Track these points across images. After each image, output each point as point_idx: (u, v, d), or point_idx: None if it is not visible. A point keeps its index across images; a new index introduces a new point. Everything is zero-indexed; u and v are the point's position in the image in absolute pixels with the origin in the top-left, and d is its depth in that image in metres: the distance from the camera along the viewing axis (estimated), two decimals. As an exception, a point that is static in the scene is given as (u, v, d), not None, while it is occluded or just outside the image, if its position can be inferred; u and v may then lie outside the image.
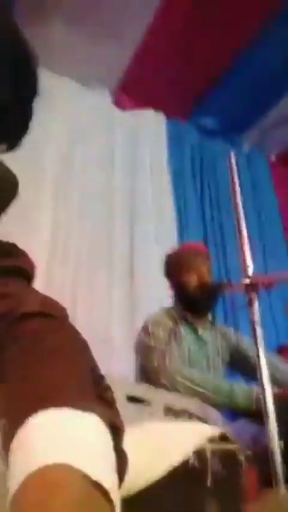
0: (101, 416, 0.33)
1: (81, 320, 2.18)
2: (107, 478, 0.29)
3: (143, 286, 2.45)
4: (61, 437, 0.30)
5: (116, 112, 2.93)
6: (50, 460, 0.28)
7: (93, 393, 0.36)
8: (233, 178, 1.33)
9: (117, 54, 2.62)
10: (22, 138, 0.52)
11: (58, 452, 0.29)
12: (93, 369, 0.40)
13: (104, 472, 0.29)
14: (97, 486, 0.28)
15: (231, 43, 2.62)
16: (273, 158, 3.52)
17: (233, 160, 1.37)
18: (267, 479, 0.94)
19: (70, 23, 2.41)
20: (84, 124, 2.73)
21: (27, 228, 2.19)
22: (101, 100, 2.88)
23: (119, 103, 2.92)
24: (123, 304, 2.38)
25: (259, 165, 3.36)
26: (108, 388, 0.39)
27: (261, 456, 0.91)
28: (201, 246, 1.90)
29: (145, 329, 1.53)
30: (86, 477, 0.28)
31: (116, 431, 0.35)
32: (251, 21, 2.49)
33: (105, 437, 0.32)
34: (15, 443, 0.31)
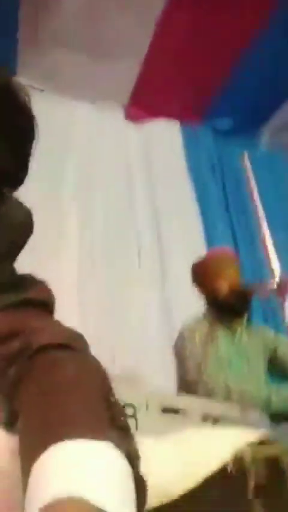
0: (116, 444, 0.33)
1: (117, 340, 2.23)
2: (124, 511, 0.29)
3: (175, 300, 2.45)
4: (76, 469, 0.30)
5: (130, 126, 2.96)
6: (65, 493, 0.28)
7: (107, 422, 0.36)
8: (248, 179, 1.34)
9: (124, 70, 2.67)
10: (23, 180, 0.53)
11: (74, 486, 0.29)
12: (108, 395, 0.40)
13: (120, 505, 0.29)
14: None
15: (237, 41, 2.61)
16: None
17: (247, 162, 1.38)
18: None
19: (74, 47, 2.48)
20: (100, 143, 2.78)
21: (53, 256, 2.28)
22: (113, 116, 2.92)
23: (131, 116, 2.96)
24: (157, 319, 2.40)
25: (279, 161, 3.31)
26: (122, 414, 0.39)
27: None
28: (227, 250, 1.89)
29: (181, 337, 1.54)
30: (100, 510, 0.27)
31: (132, 458, 0.34)
32: (255, 17, 2.47)
33: (121, 466, 0.32)
34: (32, 477, 0.31)
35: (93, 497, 0.28)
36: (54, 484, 0.29)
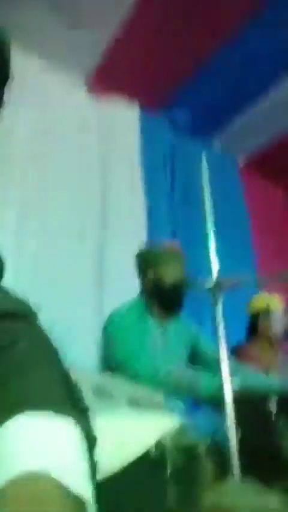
0: (78, 422, 0.33)
1: (51, 312, 2.18)
2: (86, 490, 0.29)
3: (112, 281, 2.47)
4: (42, 443, 0.30)
5: (90, 98, 2.89)
6: (31, 467, 0.28)
7: (68, 400, 0.36)
8: (204, 181, 1.36)
9: (93, 41, 2.59)
10: None
11: (38, 459, 0.29)
12: (67, 377, 0.39)
13: (82, 484, 0.29)
14: (77, 499, 0.28)
15: (207, 39, 2.62)
16: (242, 161, 3.60)
17: (205, 163, 1.40)
18: (224, 469, 0.99)
19: (49, 8, 2.38)
20: (56, 109, 2.69)
21: None
22: (75, 86, 2.83)
23: (92, 90, 2.88)
24: (92, 298, 2.40)
25: (229, 168, 3.43)
26: (81, 398, 0.39)
27: (220, 446, 0.95)
28: (177, 244, 1.92)
29: (111, 320, 1.55)
30: (66, 490, 0.28)
31: (90, 439, 0.34)
32: (229, 18, 2.50)
33: (82, 446, 0.32)
34: None
35: (59, 473, 0.28)
36: (20, 456, 0.28)
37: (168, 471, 0.65)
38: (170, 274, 1.62)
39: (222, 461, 0.99)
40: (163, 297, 1.63)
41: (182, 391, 1.32)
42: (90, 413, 0.37)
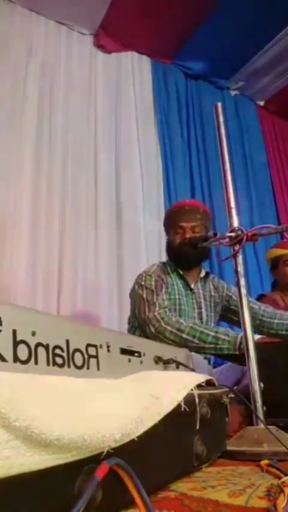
0: None
1: (70, 269, 2.24)
2: None
3: (129, 234, 2.47)
4: None
5: (99, 54, 2.81)
6: None
7: None
8: (219, 131, 1.29)
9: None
10: None
11: None
12: None
13: None
14: None
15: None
16: (261, 104, 3.41)
17: (220, 111, 1.32)
18: (248, 416, 1.04)
19: None
20: (65, 66, 2.63)
21: (10, 161, 2.16)
22: (83, 42, 2.78)
23: (101, 46, 2.82)
24: (109, 251, 2.43)
25: (247, 110, 3.27)
26: None
27: (244, 396, 0.98)
28: (187, 202, 1.87)
29: (138, 281, 1.58)
30: None
31: None
32: None
33: None
34: None
35: None
36: None
37: (197, 423, 0.69)
38: (177, 234, 1.64)
39: (246, 409, 1.04)
40: (174, 257, 1.66)
41: (205, 348, 1.36)
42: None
